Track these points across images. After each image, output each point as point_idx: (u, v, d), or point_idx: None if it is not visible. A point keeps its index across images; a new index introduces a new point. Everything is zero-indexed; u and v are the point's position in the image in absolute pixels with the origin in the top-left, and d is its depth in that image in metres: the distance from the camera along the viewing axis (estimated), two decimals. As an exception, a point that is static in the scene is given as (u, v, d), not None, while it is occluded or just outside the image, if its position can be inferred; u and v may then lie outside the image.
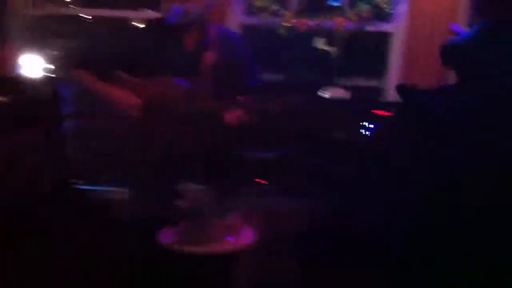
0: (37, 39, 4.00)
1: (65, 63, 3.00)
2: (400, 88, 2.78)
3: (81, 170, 3.24)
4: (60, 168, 3.63)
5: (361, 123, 2.91)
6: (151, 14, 3.95)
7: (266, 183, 2.80)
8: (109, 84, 2.61)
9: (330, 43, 3.73)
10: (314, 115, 2.89)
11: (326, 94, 3.30)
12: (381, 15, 3.72)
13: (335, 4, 3.76)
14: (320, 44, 3.72)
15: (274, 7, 3.75)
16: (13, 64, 3.78)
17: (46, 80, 3.73)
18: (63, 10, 4.11)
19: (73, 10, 4.09)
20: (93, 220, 3.15)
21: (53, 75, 3.73)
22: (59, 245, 3.01)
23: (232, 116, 2.47)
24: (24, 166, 3.46)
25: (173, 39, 2.60)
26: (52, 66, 3.83)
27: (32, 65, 3.81)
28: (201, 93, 2.53)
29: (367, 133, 2.93)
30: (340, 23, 3.68)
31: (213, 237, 2.13)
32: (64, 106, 3.67)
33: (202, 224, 2.12)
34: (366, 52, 3.88)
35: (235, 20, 3.86)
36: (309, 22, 3.70)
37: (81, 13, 4.22)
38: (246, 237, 2.21)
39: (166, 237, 2.21)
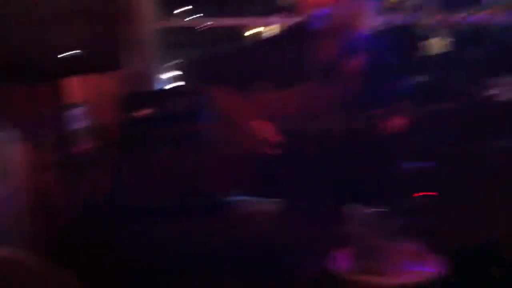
0: (166, 52, 3.99)
1: (197, 78, 2.91)
2: None
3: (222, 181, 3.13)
4: (197, 180, 3.59)
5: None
6: (280, 20, 3.82)
7: (434, 194, 2.55)
8: (247, 109, 2.48)
9: (478, 38, 3.44)
10: (483, 118, 2.62)
11: (497, 94, 2.97)
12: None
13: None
14: (466, 40, 3.44)
15: (412, 3, 3.51)
16: (146, 79, 3.79)
17: (180, 93, 3.70)
18: (190, 22, 4.06)
19: (200, 21, 4.03)
20: (237, 233, 3.05)
21: (187, 88, 3.69)
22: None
23: (391, 124, 2.28)
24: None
25: (314, 45, 2.44)
26: (184, 79, 3.80)
27: (165, 79, 3.80)
28: (351, 103, 2.35)
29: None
30: (489, 16, 3.39)
31: (393, 266, 1.94)
32: (200, 118, 3.63)
33: (378, 250, 1.94)
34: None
35: (370, 20, 3.64)
36: (453, 17, 3.44)
37: (209, 23, 4.17)
38: (431, 265, 1.99)
39: (337, 263, 2.04)
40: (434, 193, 2.51)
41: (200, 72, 2.77)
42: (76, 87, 3.31)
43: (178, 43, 4.21)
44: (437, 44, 3.51)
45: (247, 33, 4.30)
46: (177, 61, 4.09)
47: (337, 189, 2.28)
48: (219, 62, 2.69)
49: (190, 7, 4.17)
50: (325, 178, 2.32)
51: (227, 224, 3.14)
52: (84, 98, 3.47)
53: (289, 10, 3.78)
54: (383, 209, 2.00)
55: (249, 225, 3.01)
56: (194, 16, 4.13)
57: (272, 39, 2.95)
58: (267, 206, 2.79)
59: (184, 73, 3.80)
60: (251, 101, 2.48)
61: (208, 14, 4.07)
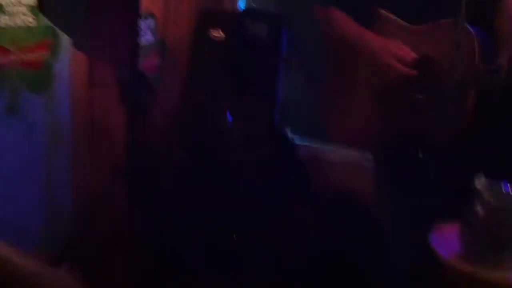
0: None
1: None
2: None
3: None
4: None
5: None
6: None
7: None
8: (368, 29, 2.04)
9: None
10: None
11: None
12: None
13: None
14: None
15: None
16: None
17: (270, 18, 3.29)
18: None
19: None
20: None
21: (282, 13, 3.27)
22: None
23: None
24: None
25: None
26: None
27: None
28: (504, 53, 1.83)
29: None
30: None
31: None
32: (283, 49, 3.23)
33: (503, 237, 1.49)
34: None
35: None
36: None
37: None
38: None
39: (442, 245, 1.59)
40: None
41: None
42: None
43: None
44: None
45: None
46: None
47: (465, 153, 1.82)
48: None
49: None
50: (450, 132, 1.85)
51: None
52: (157, 10, 3.12)
53: None
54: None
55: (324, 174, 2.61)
56: None
57: None
58: (352, 156, 2.39)
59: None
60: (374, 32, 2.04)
61: None
